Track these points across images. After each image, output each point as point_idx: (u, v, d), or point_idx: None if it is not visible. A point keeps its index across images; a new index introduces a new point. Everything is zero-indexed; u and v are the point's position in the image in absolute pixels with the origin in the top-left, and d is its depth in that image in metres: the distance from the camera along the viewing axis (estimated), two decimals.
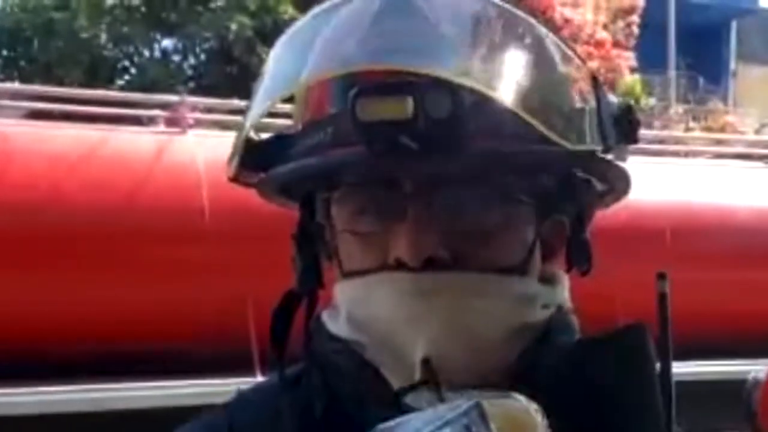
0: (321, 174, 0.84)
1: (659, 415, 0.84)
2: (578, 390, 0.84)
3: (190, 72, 12.85)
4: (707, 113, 15.56)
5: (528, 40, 0.82)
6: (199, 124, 5.28)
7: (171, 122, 5.17)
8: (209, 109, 5.77)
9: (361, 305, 0.83)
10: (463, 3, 0.85)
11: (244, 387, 0.95)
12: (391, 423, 0.70)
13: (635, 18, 13.93)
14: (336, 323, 0.86)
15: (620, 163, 0.87)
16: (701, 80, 17.03)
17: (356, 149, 0.79)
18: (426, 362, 0.79)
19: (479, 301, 0.81)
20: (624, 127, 0.86)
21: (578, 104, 0.83)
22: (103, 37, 12.21)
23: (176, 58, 12.96)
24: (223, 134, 5.57)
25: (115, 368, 4.27)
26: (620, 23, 13.75)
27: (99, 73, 11.76)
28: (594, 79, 0.86)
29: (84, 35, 11.83)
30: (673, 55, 15.98)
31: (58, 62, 11.65)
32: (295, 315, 0.90)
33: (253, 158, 0.87)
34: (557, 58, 0.84)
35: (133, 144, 4.85)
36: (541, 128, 0.77)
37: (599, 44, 12.85)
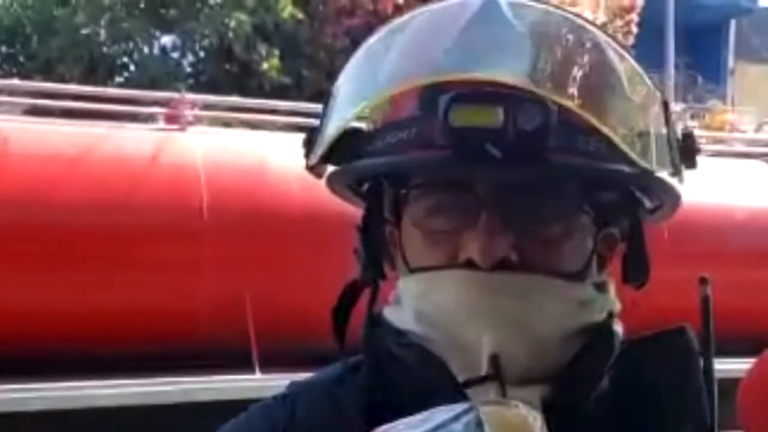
0: (404, 171, 0.88)
1: (705, 414, 0.88)
2: (627, 390, 0.88)
3: (189, 69, 12.84)
4: (706, 112, 15.56)
5: (614, 63, 0.87)
6: (198, 121, 5.28)
7: (170, 119, 5.17)
8: (208, 106, 5.77)
9: (427, 300, 0.86)
10: (553, 20, 0.89)
11: (299, 380, 0.97)
12: (386, 426, 0.71)
13: (634, 17, 13.93)
14: (401, 317, 0.89)
15: (676, 185, 0.91)
16: (700, 79, 17.02)
17: (440, 152, 0.82)
18: (494, 358, 0.82)
19: (542, 302, 0.85)
20: (687, 151, 0.91)
21: (653, 128, 0.88)
22: (103, 33, 12.19)
23: (175, 55, 12.95)
24: (223, 131, 5.58)
25: (114, 365, 4.27)
26: (619, 22, 13.75)
27: (98, 69, 11.75)
28: (665, 104, 0.90)
29: (84, 32, 11.81)
30: (671, 53, 15.98)
31: (57, 59, 11.64)
32: (355, 306, 0.93)
33: (330, 152, 0.89)
34: (637, 81, 0.89)
35: (132, 141, 4.85)
36: (629, 151, 0.83)
37: None
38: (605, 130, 0.82)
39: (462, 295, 0.84)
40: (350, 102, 0.88)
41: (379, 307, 0.93)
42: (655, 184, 0.89)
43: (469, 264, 0.84)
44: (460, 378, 0.83)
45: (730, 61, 19.65)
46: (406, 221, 0.89)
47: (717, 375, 0.90)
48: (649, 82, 0.91)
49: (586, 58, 0.86)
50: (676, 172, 0.89)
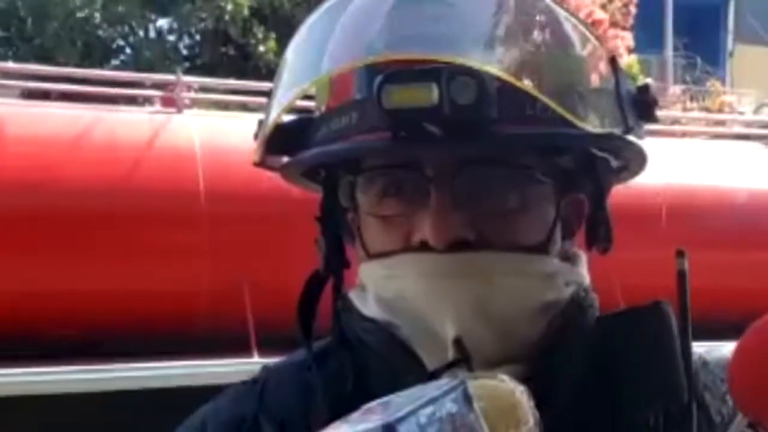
0: (346, 159, 0.86)
1: (682, 392, 0.85)
2: (600, 367, 0.86)
3: (185, 52, 12.80)
4: (705, 94, 15.53)
5: (547, 23, 0.84)
6: (195, 104, 5.26)
7: (167, 102, 5.15)
8: (205, 89, 5.75)
9: (386, 286, 0.85)
10: None
11: (270, 363, 0.97)
12: (376, 402, 0.71)
13: None
14: (365, 303, 0.88)
15: (637, 141, 0.88)
16: (699, 60, 16.98)
17: (381, 135, 0.80)
18: (458, 342, 0.80)
19: (504, 279, 0.82)
20: (642, 106, 0.88)
21: (597, 85, 0.85)
22: (98, 17, 12.14)
23: (171, 38, 12.89)
24: (220, 114, 5.56)
25: (111, 349, 4.27)
26: (618, 3, 13.70)
27: (94, 53, 11.70)
28: (612, 60, 0.87)
29: (79, 15, 11.76)
30: (670, 35, 15.94)
31: (53, 43, 11.59)
32: (320, 296, 0.92)
33: (278, 142, 0.89)
34: (576, 39, 0.86)
35: (129, 124, 4.83)
36: (565, 114, 0.80)
37: (596, 24, 12.82)
38: (540, 95, 0.79)
39: (419, 279, 0.82)
40: (288, 91, 0.87)
41: (346, 291, 0.91)
42: (612, 143, 0.86)
43: (424, 246, 0.82)
44: (429, 363, 0.82)
45: (729, 43, 19.62)
46: (360, 207, 0.88)
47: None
48: (592, 37, 0.87)
49: (520, 23, 0.83)
50: (628, 130, 0.86)
